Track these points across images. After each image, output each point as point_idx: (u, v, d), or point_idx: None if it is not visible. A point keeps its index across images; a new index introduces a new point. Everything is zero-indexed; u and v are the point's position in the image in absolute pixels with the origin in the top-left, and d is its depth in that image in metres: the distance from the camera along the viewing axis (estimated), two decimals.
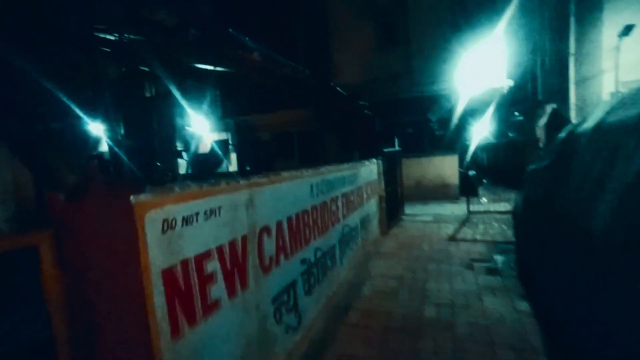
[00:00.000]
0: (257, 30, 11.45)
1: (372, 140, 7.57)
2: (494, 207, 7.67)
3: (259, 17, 12.31)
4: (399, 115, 10.04)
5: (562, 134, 2.58)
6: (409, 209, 8.44)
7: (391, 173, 7.04)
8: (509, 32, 9.70)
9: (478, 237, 5.58)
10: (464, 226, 6.40)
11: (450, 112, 9.51)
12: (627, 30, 7.49)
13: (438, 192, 9.63)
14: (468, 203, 7.33)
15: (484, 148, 15.92)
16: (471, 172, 9.83)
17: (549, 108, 11.98)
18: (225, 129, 13.08)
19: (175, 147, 12.78)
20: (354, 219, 4.43)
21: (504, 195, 9.30)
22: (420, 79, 9.52)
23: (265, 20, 12.19)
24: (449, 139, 9.57)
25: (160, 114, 8.56)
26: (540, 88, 13.33)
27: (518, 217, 3.32)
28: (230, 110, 12.83)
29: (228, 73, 8.86)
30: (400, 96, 9.73)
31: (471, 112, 12.55)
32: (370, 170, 5.50)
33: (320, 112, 11.19)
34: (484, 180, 10.20)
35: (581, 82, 10.24)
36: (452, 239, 5.60)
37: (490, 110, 13.61)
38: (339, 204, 3.81)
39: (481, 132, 16.78)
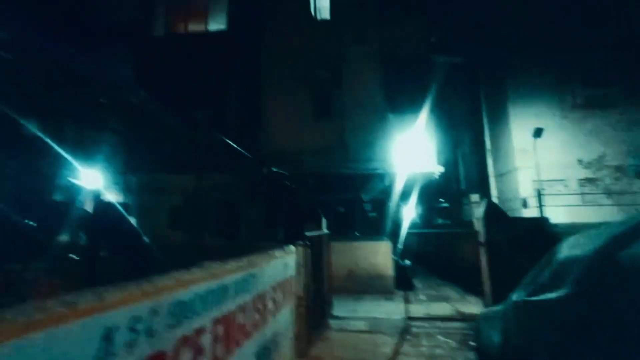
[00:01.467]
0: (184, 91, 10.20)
1: (297, 219, 6.22)
2: (434, 309, 6.45)
3: (188, 78, 11.22)
4: (331, 192, 9.02)
5: (574, 252, 1.66)
6: (338, 308, 6.75)
7: (317, 262, 5.51)
8: (434, 122, 10.00)
9: None
10: (404, 341, 4.88)
11: (383, 193, 8.81)
12: (538, 132, 7.91)
13: (372, 285, 8.24)
14: (406, 303, 5.96)
15: (414, 235, 15.65)
16: (406, 262, 8.81)
17: (474, 198, 12.29)
18: (125, 188, 10.60)
19: (51, 199, 9.79)
20: (244, 355, 2.62)
21: (441, 291, 8.31)
22: (354, 155, 8.87)
23: (192, 83, 11.10)
24: (382, 222, 8.66)
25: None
26: (463, 178, 13.96)
27: None
28: (132, 165, 10.58)
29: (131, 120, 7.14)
30: (332, 171, 8.85)
31: (403, 195, 12.21)
32: (283, 263, 3.89)
33: (241, 178, 9.70)
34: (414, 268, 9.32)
35: (499, 176, 10.66)
36: None
37: (417, 195, 13.72)
38: (204, 341, 2.04)
39: (410, 218, 16.83)
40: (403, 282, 8.74)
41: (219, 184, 10.33)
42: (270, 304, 3.37)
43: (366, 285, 8.25)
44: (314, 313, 5.20)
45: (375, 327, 5.52)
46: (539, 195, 5.54)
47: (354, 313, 6.42)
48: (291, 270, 4.17)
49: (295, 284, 4.33)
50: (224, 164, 9.74)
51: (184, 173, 9.90)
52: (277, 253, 3.71)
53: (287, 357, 3.90)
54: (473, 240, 8.99)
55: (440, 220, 17.36)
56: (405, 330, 5.37)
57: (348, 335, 5.12)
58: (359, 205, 8.78)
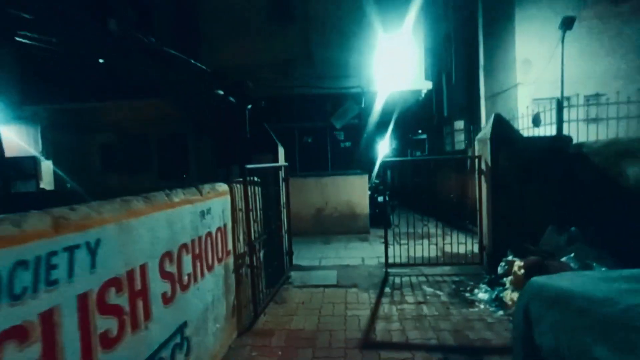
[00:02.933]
0: None
1: (245, 150, 4.70)
2: (415, 250, 5.47)
3: None
4: (295, 118, 7.35)
5: None
6: (303, 256, 5.64)
7: (271, 203, 4.14)
8: (422, 34, 8.09)
9: (412, 335, 3.02)
10: (382, 298, 3.84)
11: (359, 118, 7.26)
12: (568, 23, 6.21)
13: (345, 225, 7.17)
14: (386, 249, 4.88)
15: (390, 167, 14.71)
16: (381, 198, 7.70)
17: (458, 125, 11.06)
18: (32, 121, 8.34)
19: None
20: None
21: (421, 228, 7.43)
22: (324, 71, 7.04)
23: None
24: (357, 153, 7.28)
25: None
26: (446, 105, 12.55)
27: None
28: (40, 92, 8.20)
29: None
30: (296, 91, 7.06)
31: (381, 122, 10.75)
32: (200, 211, 2.42)
33: (184, 106, 7.74)
34: (395, 204, 8.34)
35: (491, 97, 9.27)
36: (369, 342, 2.91)
37: (394, 126, 12.34)
38: None
39: (387, 148, 15.68)
40: (380, 220, 7.75)
41: (159, 115, 8.31)
42: (179, 273, 1.97)
43: (338, 226, 7.17)
44: (267, 269, 3.98)
45: (346, 280, 4.45)
46: (560, 107, 4.19)
47: (322, 261, 5.33)
48: (219, 220, 2.74)
49: (229, 236, 2.95)
50: (159, 87, 7.62)
51: (106, 100, 7.72)
52: (183, 196, 2.20)
53: (223, 337, 2.68)
54: (458, 170, 7.95)
55: (418, 154, 16.38)
56: (383, 282, 4.34)
57: (312, 294, 4.01)
58: (329, 134, 7.28)
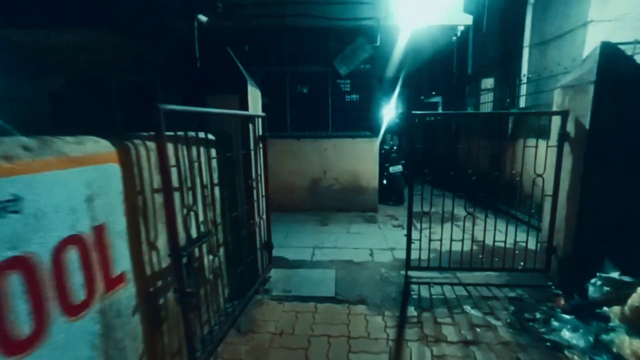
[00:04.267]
0: None
1: (188, 87, 3.16)
2: (442, 243, 4.04)
3: None
4: (286, 62, 5.59)
5: None
6: (292, 239, 4.24)
7: (235, 174, 2.63)
8: None
9: None
10: (406, 329, 2.45)
11: (372, 63, 5.51)
12: None
13: (347, 200, 5.71)
14: (409, 245, 3.43)
15: (424, 124, 12.93)
16: (397, 168, 6.17)
17: (487, 83, 9.25)
18: None
19: None
20: None
21: (441, 206, 5.97)
22: None
23: None
24: (367, 109, 5.62)
25: None
26: (471, 59, 10.57)
27: None
28: None
29: None
30: (287, 22, 5.25)
31: (399, 70, 8.97)
32: None
33: (152, 45, 5.97)
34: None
35: (540, 45, 7.36)
36: None
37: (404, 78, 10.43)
38: None
39: (391, 110, 13.86)
40: (390, 195, 6.29)
41: (121, 55, 6.52)
42: None
43: (338, 201, 5.71)
44: (231, 274, 2.55)
45: (349, 288, 3.05)
46: None
47: (316, 252, 3.91)
48: (84, 216, 1.23)
49: (116, 247, 1.46)
50: (118, 14, 5.81)
51: (51, 26, 5.90)
52: None
53: None
54: (489, 136, 6.32)
55: (428, 119, 14.55)
56: (404, 295, 2.94)
57: (297, 313, 2.63)
58: (332, 83, 5.59)
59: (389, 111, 11.54)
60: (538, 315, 2.54)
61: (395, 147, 6.91)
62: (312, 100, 5.63)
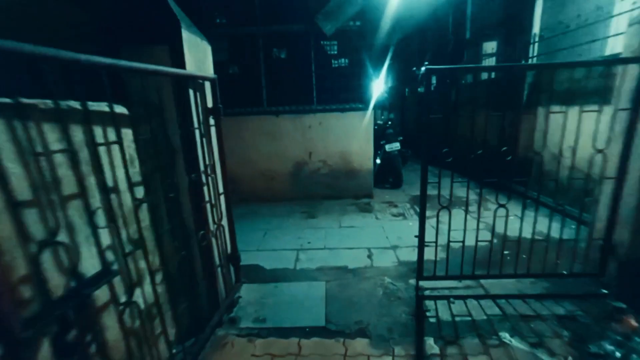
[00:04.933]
0: None
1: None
2: (454, 233, 3.29)
3: None
4: (258, 20, 4.56)
5: None
6: (272, 239, 3.43)
7: (165, 167, 1.76)
8: None
9: None
10: None
11: (363, 19, 4.54)
12: None
13: (338, 186, 4.89)
14: (422, 247, 2.66)
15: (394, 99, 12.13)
16: (394, 146, 5.34)
17: (489, 47, 8.35)
18: None
19: None
20: None
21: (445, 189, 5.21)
22: None
23: None
24: (360, 77, 4.69)
25: None
26: (469, 22, 9.58)
27: None
28: None
29: None
30: None
31: (394, 33, 8.11)
32: None
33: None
34: (408, 154, 5.97)
35: None
36: None
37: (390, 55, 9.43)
38: None
39: (381, 84, 12.93)
40: (385, 177, 5.50)
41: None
42: None
43: (327, 187, 4.90)
44: (177, 304, 1.74)
45: (344, 310, 2.29)
46: None
47: (300, 256, 3.11)
48: None
49: None
50: None
51: None
52: None
53: None
54: (496, 104, 5.46)
55: (422, 90, 13.58)
56: (418, 319, 2.19)
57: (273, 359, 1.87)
58: (315, 46, 4.62)
59: (378, 85, 10.59)
60: (608, 348, 1.82)
61: (389, 122, 6.06)
62: (291, 67, 4.66)
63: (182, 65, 1.78)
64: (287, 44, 4.65)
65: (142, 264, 1.57)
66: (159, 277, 1.73)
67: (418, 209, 4.34)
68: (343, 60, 4.69)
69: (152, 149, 1.70)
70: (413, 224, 3.83)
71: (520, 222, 2.37)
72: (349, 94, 4.69)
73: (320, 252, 3.19)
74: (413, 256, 2.99)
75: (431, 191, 2.46)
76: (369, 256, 3.07)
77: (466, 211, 2.38)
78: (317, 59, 4.63)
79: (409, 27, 10.87)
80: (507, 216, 2.36)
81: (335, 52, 4.70)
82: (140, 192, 1.62)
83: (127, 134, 1.54)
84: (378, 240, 3.42)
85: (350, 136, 4.73)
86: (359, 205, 4.59)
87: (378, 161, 5.47)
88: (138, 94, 1.80)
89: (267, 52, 4.63)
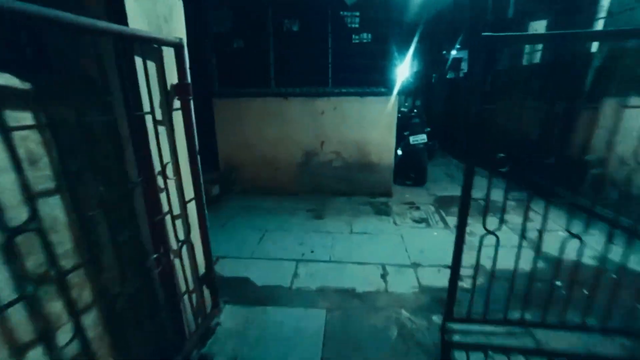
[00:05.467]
0: None
1: None
2: (484, 250, 2.67)
3: None
4: None
5: None
6: (269, 242, 2.91)
7: (108, 165, 1.22)
8: None
9: None
10: None
11: None
12: None
13: (352, 181, 4.31)
14: (454, 288, 2.08)
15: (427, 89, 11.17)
16: (419, 138, 4.66)
17: (535, 26, 7.33)
18: None
19: None
20: None
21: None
22: None
23: None
24: (384, 57, 3.99)
25: None
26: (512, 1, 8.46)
27: None
28: None
29: None
30: None
31: (422, 12, 7.44)
32: None
33: None
34: (435, 147, 5.24)
35: None
36: None
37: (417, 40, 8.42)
38: None
39: (408, 66, 11.94)
40: (408, 173, 4.85)
41: None
42: None
43: (339, 182, 4.32)
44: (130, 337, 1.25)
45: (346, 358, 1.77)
46: None
47: (300, 273, 2.57)
48: None
49: None
50: None
51: None
52: None
53: None
54: (549, 94, 4.58)
55: (451, 76, 12.47)
56: None
57: None
58: (333, 18, 3.94)
59: (404, 67, 9.66)
60: None
61: (415, 111, 5.34)
62: (304, 42, 4.01)
63: (121, 18, 1.22)
64: (300, 15, 3.99)
65: (57, 306, 1.08)
66: (89, 318, 1.24)
67: (444, 214, 3.73)
68: (365, 35, 3.98)
69: (87, 141, 1.18)
70: (438, 234, 3.21)
71: (580, 244, 1.73)
72: (370, 76, 4.01)
73: (324, 265, 2.65)
74: (438, 280, 2.41)
75: (458, 191, 1.83)
76: (383, 276, 2.51)
77: (522, 236, 1.75)
78: (334, 33, 3.96)
79: (442, 3, 9.82)
80: (579, 242, 1.72)
81: (357, 26, 4.00)
82: (53, 203, 1.11)
83: (23, 118, 1.02)
84: (395, 253, 2.84)
85: (369, 125, 4.09)
86: (374, 205, 4.00)
87: (399, 152, 4.81)
88: (69, 63, 1.27)
89: (277, 24, 3.99)
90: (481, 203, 4.04)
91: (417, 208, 3.93)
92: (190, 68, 1.63)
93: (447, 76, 11.70)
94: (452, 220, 3.54)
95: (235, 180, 4.40)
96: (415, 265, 2.65)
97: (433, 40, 12.07)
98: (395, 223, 3.49)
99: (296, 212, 3.76)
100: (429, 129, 4.61)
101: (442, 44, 11.85)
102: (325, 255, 2.82)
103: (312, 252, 2.86)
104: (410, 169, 4.80)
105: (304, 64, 4.06)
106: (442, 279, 2.44)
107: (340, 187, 4.31)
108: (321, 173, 4.29)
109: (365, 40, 3.94)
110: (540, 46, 6.54)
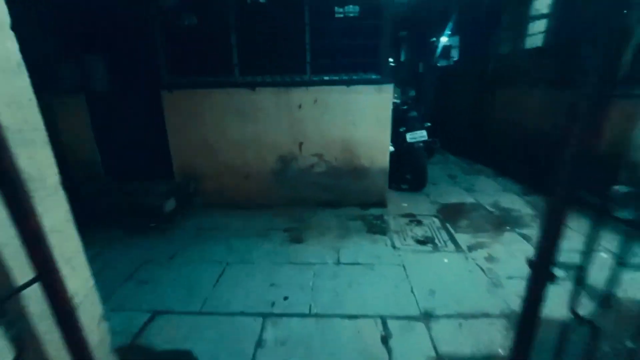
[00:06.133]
0: None
1: None
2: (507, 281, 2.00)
3: None
4: None
5: None
6: (220, 296, 2.11)
7: None
8: None
9: None
10: None
11: None
12: None
13: (338, 189, 3.54)
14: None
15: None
16: (418, 135, 3.92)
17: (539, 6, 6.66)
18: None
19: None
20: None
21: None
22: None
23: None
24: (375, 34, 3.20)
25: None
26: None
27: None
28: None
29: None
30: None
31: None
32: None
33: None
34: (436, 145, 4.50)
35: None
36: None
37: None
38: None
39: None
40: (404, 175, 4.13)
41: None
42: None
43: (324, 191, 3.55)
44: None
45: None
46: None
47: (266, 339, 1.79)
48: None
49: None
50: None
51: None
52: None
53: None
54: (567, 82, 3.97)
55: (441, 63, 11.70)
56: None
57: None
58: None
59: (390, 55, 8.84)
60: None
61: (410, 101, 4.59)
62: (276, 17, 3.18)
63: None
64: None
65: None
66: None
67: (453, 230, 3.02)
68: (351, 7, 3.18)
69: None
70: (450, 262, 2.50)
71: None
72: (358, 60, 3.23)
73: (301, 322, 1.90)
74: (463, 342, 1.69)
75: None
76: (384, 339, 1.77)
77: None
78: (313, 6, 3.14)
79: None
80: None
81: None
82: None
83: None
84: (398, 296, 2.11)
85: (358, 120, 3.32)
86: (367, 220, 3.26)
87: (391, 148, 4.06)
88: None
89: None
90: (494, 212, 3.36)
91: (419, 222, 3.21)
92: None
93: (438, 64, 10.95)
94: (464, 239, 2.83)
95: (195, 192, 3.57)
96: (427, 316, 1.93)
97: (419, 26, 11.28)
98: (393, 246, 2.76)
99: (269, 234, 2.98)
100: (429, 124, 3.88)
101: (430, 31, 11.09)
102: (304, 303, 2.06)
103: (285, 298, 2.10)
104: (406, 171, 4.08)
105: (275, 46, 3.24)
106: (467, 340, 1.73)
107: (324, 197, 3.55)
108: (301, 181, 3.51)
109: (351, 14, 3.14)
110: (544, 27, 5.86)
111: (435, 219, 3.28)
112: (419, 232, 3.01)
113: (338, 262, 2.52)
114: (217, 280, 2.30)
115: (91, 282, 1.19)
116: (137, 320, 1.93)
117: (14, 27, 0.92)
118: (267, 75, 3.28)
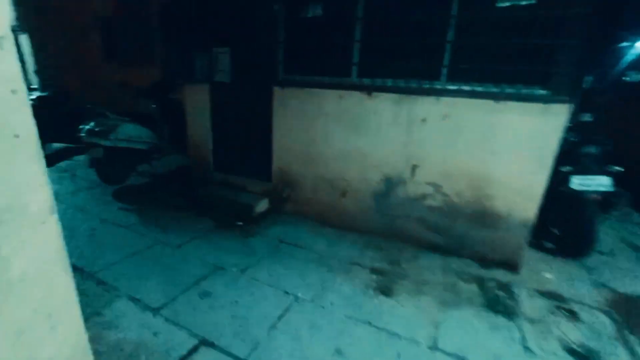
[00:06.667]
0: None
1: None
2: None
3: None
4: None
5: None
6: (271, 350, 1.72)
7: None
8: None
9: None
10: None
11: None
12: None
13: (453, 235, 2.73)
14: None
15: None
16: (593, 182, 2.69)
17: None
18: None
19: None
20: None
21: None
22: None
23: None
24: (555, 28, 2.23)
25: None
26: None
27: None
28: None
29: None
30: None
31: None
32: None
33: None
34: (619, 197, 3.10)
35: None
36: None
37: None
38: None
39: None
40: (552, 230, 2.94)
41: None
42: None
43: (432, 231, 2.77)
44: None
45: None
46: None
47: None
48: None
49: None
50: None
51: None
52: None
53: None
54: None
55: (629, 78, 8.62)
56: None
57: None
58: None
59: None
60: None
61: (584, 129, 3.25)
62: (412, 10, 2.55)
63: None
64: None
65: None
66: None
67: (635, 340, 1.86)
68: None
69: None
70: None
71: None
72: (521, 66, 2.31)
73: None
74: None
75: None
76: None
77: None
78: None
79: None
80: None
81: None
82: None
83: None
84: None
85: (503, 148, 2.41)
86: (486, 287, 2.36)
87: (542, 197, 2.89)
88: None
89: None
90: None
91: (572, 313, 2.14)
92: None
93: (628, 79, 8.11)
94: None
95: (287, 198, 3.32)
96: None
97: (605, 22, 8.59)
98: (525, 345, 1.84)
99: (352, 270, 2.44)
100: (617, 169, 2.59)
101: (611, 29, 8.28)
102: None
103: None
104: (555, 223, 2.89)
105: (404, 44, 2.62)
106: None
107: (431, 238, 2.78)
108: (405, 211, 2.83)
109: (524, 2, 2.23)
110: None
111: (604, 316, 2.13)
112: (572, 333, 1.97)
113: (434, 347, 1.80)
114: (277, 322, 1.91)
115: (84, 339, 0.90)
116: (181, 347, 1.69)
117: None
118: (388, 79, 2.69)
